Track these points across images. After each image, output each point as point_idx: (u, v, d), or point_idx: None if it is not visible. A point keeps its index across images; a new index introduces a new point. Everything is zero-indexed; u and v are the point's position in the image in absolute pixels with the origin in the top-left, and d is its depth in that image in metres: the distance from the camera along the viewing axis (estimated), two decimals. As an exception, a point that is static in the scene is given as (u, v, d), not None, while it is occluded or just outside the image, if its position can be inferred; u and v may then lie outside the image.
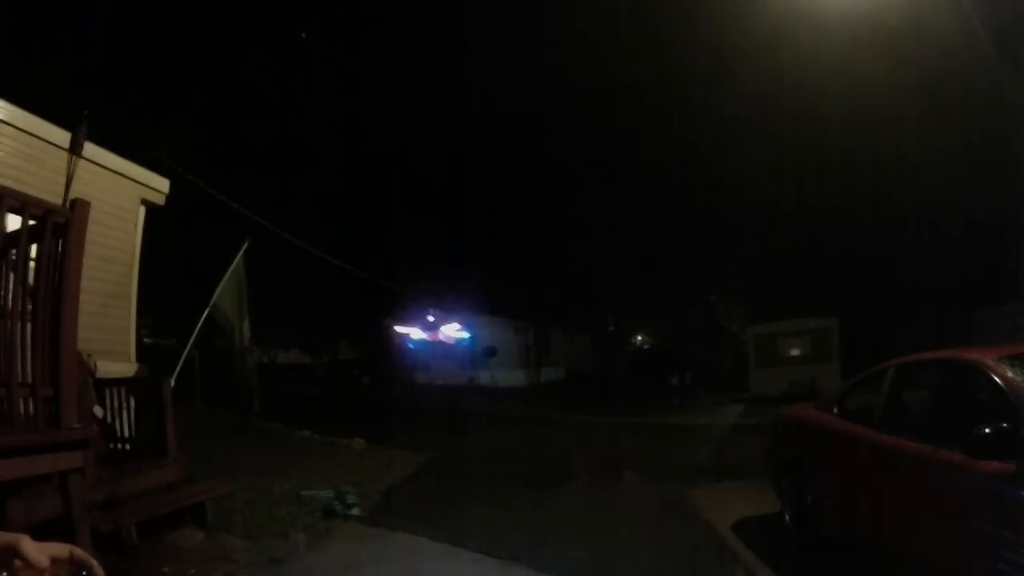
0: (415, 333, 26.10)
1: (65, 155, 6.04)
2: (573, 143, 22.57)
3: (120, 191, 6.99)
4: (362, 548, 5.18)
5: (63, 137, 6.05)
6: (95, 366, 5.70)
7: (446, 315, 26.08)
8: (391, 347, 27.92)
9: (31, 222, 3.26)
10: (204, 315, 8.76)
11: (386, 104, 25.15)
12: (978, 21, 8.41)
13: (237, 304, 9.65)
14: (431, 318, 25.77)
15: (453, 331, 26.38)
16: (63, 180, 5.97)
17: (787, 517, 5.26)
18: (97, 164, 6.51)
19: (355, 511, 6.18)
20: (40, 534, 0.86)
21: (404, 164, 25.58)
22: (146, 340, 16.87)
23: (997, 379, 3.29)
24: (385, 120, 25.06)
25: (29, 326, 3.21)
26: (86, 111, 6.23)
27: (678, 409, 18.99)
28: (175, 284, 17.08)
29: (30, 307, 3.22)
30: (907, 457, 3.66)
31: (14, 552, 0.81)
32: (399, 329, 25.52)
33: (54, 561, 0.83)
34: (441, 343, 26.24)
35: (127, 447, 5.44)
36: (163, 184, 7.64)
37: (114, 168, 6.84)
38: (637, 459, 10.21)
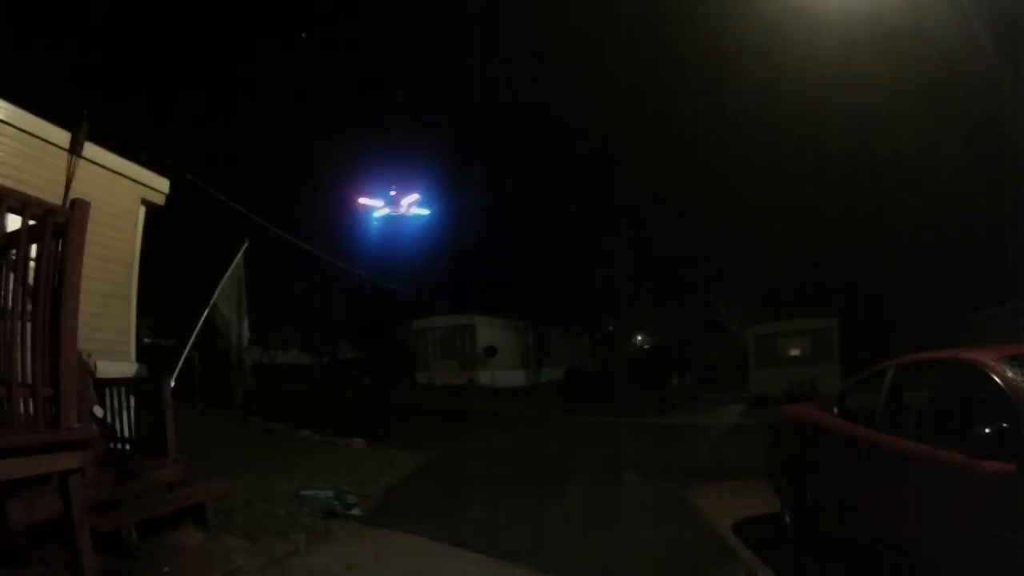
0: (378, 207, 28.43)
1: (65, 155, 6.05)
2: (573, 143, 22.61)
3: (120, 191, 7.00)
4: (362, 548, 5.18)
5: (63, 137, 6.06)
6: (95, 366, 5.72)
7: (407, 191, 28.53)
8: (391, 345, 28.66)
9: (31, 222, 3.25)
10: (204, 315, 8.78)
11: (384, 104, 25.25)
12: (978, 21, 8.40)
13: (236, 304, 9.67)
14: (393, 192, 28.40)
15: (412, 204, 28.75)
16: (63, 180, 5.98)
17: (787, 517, 5.26)
18: (97, 164, 6.53)
19: (355, 511, 6.17)
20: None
21: (404, 163, 25.73)
22: (146, 340, 16.85)
23: (997, 379, 3.29)
24: (385, 120, 25.16)
25: (29, 326, 3.20)
26: (86, 111, 6.24)
27: (678, 409, 18.97)
28: (175, 284, 17.06)
29: (30, 307, 3.22)
30: (907, 457, 3.66)
31: None
32: (364, 202, 27.90)
33: None
34: (402, 217, 28.65)
35: (127, 447, 5.44)
36: (163, 184, 7.65)
37: (114, 168, 6.85)
38: (637, 459, 10.19)
